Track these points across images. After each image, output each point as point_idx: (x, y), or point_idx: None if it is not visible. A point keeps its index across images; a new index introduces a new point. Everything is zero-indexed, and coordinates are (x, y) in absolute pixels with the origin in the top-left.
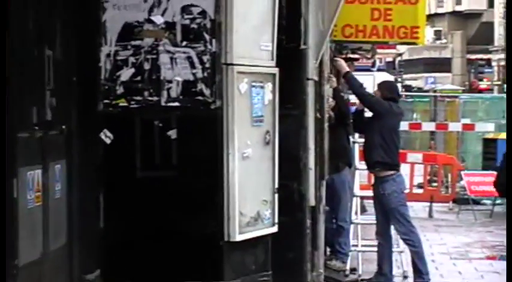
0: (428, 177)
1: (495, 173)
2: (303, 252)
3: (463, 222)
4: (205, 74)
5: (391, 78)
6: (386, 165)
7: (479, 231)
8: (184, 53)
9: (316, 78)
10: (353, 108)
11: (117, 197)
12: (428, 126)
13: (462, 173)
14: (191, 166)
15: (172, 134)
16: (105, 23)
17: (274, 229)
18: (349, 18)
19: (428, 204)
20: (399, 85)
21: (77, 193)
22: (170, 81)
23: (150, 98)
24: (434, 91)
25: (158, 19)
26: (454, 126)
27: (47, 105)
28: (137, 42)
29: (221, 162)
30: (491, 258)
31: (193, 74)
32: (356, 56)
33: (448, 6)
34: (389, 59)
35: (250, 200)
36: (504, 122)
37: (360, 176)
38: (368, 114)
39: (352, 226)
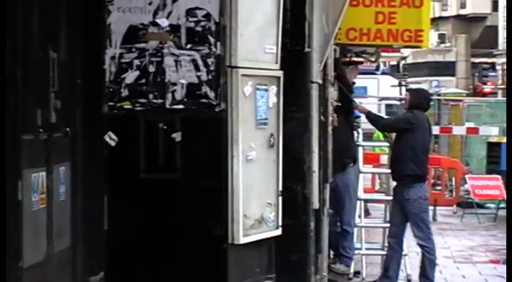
0: (432, 181)
1: (499, 176)
2: (307, 255)
3: (467, 225)
4: (210, 77)
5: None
6: (416, 177)
7: (483, 235)
8: (189, 55)
9: (320, 81)
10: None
11: (121, 199)
12: (433, 130)
13: (466, 176)
14: (195, 168)
15: (177, 136)
16: (110, 26)
17: (278, 232)
18: (354, 22)
19: (432, 207)
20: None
21: (81, 195)
22: (175, 84)
23: (154, 101)
24: (438, 95)
25: (163, 22)
26: (458, 130)
27: (52, 108)
28: (142, 45)
29: (225, 165)
30: (495, 262)
31: (198, 77)
32: (360, 59)
33: (452, 10)
34: (394, 63)
35: (254, 202)
36: None
37: (364, 179)
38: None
39: (355, 229)
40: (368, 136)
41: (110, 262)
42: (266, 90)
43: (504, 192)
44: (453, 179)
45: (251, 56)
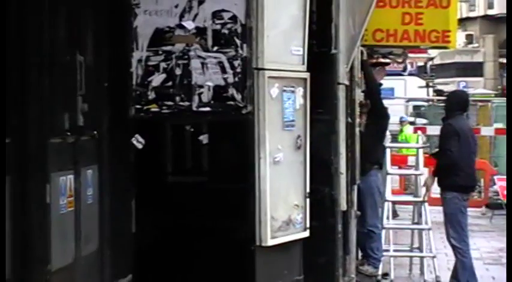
0: None
1: None
2: (335, 256)
3: (496, 227)
4: (237, 79)
5: (422, 82)
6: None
7: None
8: (215, 58)
9: (347, 82)
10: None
11: (149, 202)
12: None
13: (495, 177)
14: (222, 171)
15: (204, 139)
16: (137, 29)
17: (306, 234)
18: (380, 23)
19: None
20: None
21: (109, 198)
22: (201, 86)
23: (181, 103)
24: None
25: (189, 24)
26: (487, 131)
27: (79, 111)
28: (168, 48)
29: (252, 167)
30: None
31: (225, 79)
32: (387, 60)
33: (480, 10)
34: (421, 64)
35: (281, 204)
36: None
37: (392, 180)
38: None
39: (383, 231)
40: (394, 137)
41: (137, 265)
42: (293, 91)
43: None
44: (482, 180)
45: (277, 57)
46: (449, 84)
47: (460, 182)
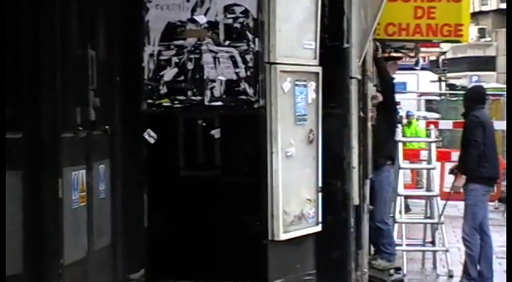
0: None
1: None
2: (347, 251)
3: None
4: (249, 73)
5: (434, 77)
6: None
7: None
8: (227, 52)
9: (359, 76)
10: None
11: (161, 197)
12: None
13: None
14: (235, 165)
15: (216, 133)
16: (148, 23)
17: (318, 228)
18: (392, 17)
19: None
20: (442, 84)
21: (121, 193)
22: (213, 81)
23: (193, 98)
24: None
25: (201, 19)
26: (499, 125)
27: (91, 105)
28: (180, 42)
29: (264, 161)
30: None
31: (237, 73)
32: (399, 54)
33: (493, 4)
34: (433, 58)
35: (294, 198)
36: None
37: (404, 175)
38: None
39: (396, 225)
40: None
41: (150, 259)
42: (305, 86)
43: None
44: None
45: (289, 52)
46: (462, 79)
47: (486, 174)
